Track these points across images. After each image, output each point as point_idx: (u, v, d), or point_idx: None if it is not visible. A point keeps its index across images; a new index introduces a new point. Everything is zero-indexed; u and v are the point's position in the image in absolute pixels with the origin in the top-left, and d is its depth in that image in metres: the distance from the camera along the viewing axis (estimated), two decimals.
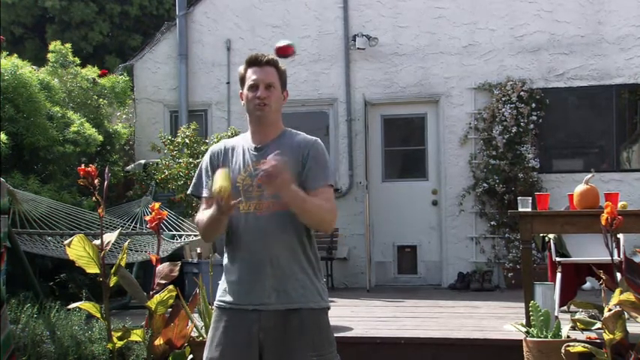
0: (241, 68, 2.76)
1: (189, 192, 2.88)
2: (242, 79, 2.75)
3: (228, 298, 2.68)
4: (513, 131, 8.73)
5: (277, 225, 2.62)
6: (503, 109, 8.77)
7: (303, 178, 2.64)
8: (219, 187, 2.46)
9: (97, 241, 4.13)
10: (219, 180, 2.48)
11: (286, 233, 2.63)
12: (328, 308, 2.73)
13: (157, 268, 4.31)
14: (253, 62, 2.72)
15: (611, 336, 3.98)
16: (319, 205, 2.59)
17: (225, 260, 2.73)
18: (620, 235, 5.42)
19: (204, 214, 2.67)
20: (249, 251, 2.63)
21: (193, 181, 2.83)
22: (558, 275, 5.76)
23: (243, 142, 2.78)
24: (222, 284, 2.73)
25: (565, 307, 5.79)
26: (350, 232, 9.18)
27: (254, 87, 2.69)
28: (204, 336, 4.50)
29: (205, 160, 2.80)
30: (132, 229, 7.13)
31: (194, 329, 4.58)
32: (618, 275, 4.88)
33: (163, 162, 8.40)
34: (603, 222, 4.13)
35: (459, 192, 8.97)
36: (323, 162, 2.69)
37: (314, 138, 2.75)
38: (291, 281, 2.62)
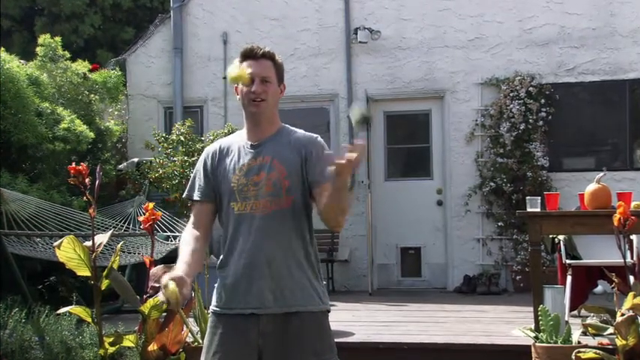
0: (236, 61, 2.74)
1: (184, 196, 2.88)
2: None
3: (225, 303, 2.67)
4: (522, 128, 8.73)
5: (274, 225, 2.61)
6: (511, 105, 8.76)
7: (308, 175, 2.64)
8: (171, 292, 2.43)
9: (88, 243, 4.13)
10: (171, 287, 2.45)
11: (284, 233, 2.62)
12: (328, 311, 2.72)
13: (151, 271, 4.31)
14: (248, 55, 2.70)
15: (624, 342, 3.98)
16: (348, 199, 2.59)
17: (220, 263, 2.72)
18: (634, 237, 5.42)
19: (186, 238, 2.68)
20: (245, 253, 2.62)
21: (189, 184, 2.83)
22: (569, 278, 5.76)
23: (239, 139, 2.77)
24: (218, 288, 2.72)
25: (576, 312, 5.79)
26: (351, 233, 9.18)
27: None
28: (200, 341, 4.50)
29: (200, 163, 2.79)
30: (124, 230, 7.14)
31: (189, 334, 4.57)
32: (631, 278, 4.87)
33: (157, 160, 8.39)
34: (616, 223, 4.13)
35: (464, 191, 8.97)
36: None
37: (315, 135, 2.74)
38: (289, 283, 2.61)
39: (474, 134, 9.03)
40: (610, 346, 4.40)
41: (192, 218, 2.77)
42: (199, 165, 2.79)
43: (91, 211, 4.13)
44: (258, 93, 2.66)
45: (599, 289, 7.17)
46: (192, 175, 2.83)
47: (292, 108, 8.86)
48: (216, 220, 2.77)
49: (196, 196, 2.75)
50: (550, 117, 8.77)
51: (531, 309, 4.94)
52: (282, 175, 2.63)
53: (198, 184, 2.76)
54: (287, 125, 2.79)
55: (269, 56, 2.70)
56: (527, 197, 5.25)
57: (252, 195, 2.63)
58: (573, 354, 4.14)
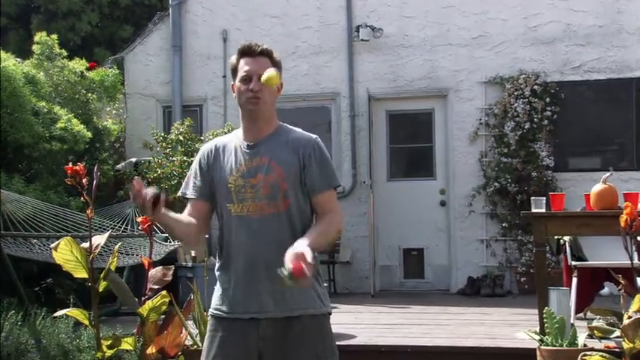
0: (233, 58, 2.73)
1: (179, 194, 2.87)
2: (234, 70, 2.72)
3: (224, 307, 2.67)
4: (526, 127, 8.72)
5: (272, 227, 2.61)
6: (516, 104, 8.76)
7: (306, 181, 2.64)
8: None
9: (86, 244, 4.13)
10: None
11: (282, 235, 2.61)
12: (329, 314, 2.72)
13: (150, 273, 4.31)
14: (246, 52, 2.69)
15: (631, 345, 3.97)
16: (328, 232, 2.62)
17: (218, 266, 2.72)
18: None
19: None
20: (243, 256, 2.62)
21: (184, 182, 2.82)
22: (574, 280, 5.75)
23: (236, 139, 2.75)
24: (217, 291, 2.72)
25: (581, 314, 5.79)
26: (353, 234, 9.18)
27: (246, 79, 2.66)
28: (199, 344, 4.50)
29: (196, 161, 2.79)
30: (122, 231, 7.14)
31: (188, 337, 4.57)
32: (638, 280, 4.87)
33: (156, 160, 8.40)
34: (622, 223, 4.12)
35: (468, 192, 8.96)
36: (326, 163, 2.69)
37: (313, 136, 2.72)
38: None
39: (477, 134, 9.02)
40: (617, 349, 4.41)
41: (185, 212, 2.75)
42: (195, 164, 2.79)
43: (88, 211, 4.12)
44: (255, 91, 2.64)
45: (605, 291, 7.15)
46: (187, 174, 2.83)
47: (293, 107, 8.87)
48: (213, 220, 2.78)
49: (190, 194, 2.74)
50: (555, 116, 8.77)
51: (536, 311, 4.93)
52: (280, 178, 2.62)
53: (194, 182, 2.75)
54: (285, 124, 2.78)
55: (267, 53, 2.69)
56: (532, 198, 5.24)
57: (249, 197, 2.62)
58: (579, 357, 4.14)
